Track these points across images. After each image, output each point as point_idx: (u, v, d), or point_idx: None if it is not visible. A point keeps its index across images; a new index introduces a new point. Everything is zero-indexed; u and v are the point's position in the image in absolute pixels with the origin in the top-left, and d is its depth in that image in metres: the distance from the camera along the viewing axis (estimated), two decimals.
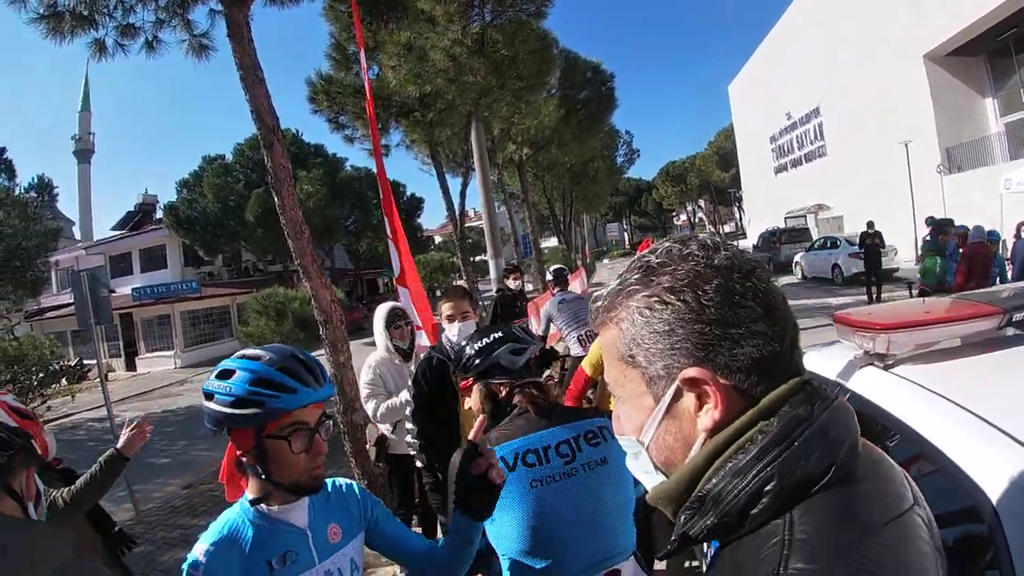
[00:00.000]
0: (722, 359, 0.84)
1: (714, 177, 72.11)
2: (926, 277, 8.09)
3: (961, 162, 24.29)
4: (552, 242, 52.65)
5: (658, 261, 0.90)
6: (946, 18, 22.91)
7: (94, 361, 10.19)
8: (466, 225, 18.14)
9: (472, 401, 2.33)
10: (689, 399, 0.86)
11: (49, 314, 35.86)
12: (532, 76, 13.90)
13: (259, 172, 36.77)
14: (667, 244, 0.93)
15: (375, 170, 6.58)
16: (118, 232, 44.28)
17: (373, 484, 5.80)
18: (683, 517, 0.85)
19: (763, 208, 47.40)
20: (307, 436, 1.67)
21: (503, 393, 2.24)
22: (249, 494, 1.73)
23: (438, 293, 35.08)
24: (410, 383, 3.87)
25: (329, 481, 1.91)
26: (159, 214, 42.43)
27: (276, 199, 5.69)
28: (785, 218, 39.14)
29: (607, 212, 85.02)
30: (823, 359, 2.45)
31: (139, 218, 45.54)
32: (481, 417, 1.95)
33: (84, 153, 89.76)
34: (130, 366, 33.12)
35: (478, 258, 31.40)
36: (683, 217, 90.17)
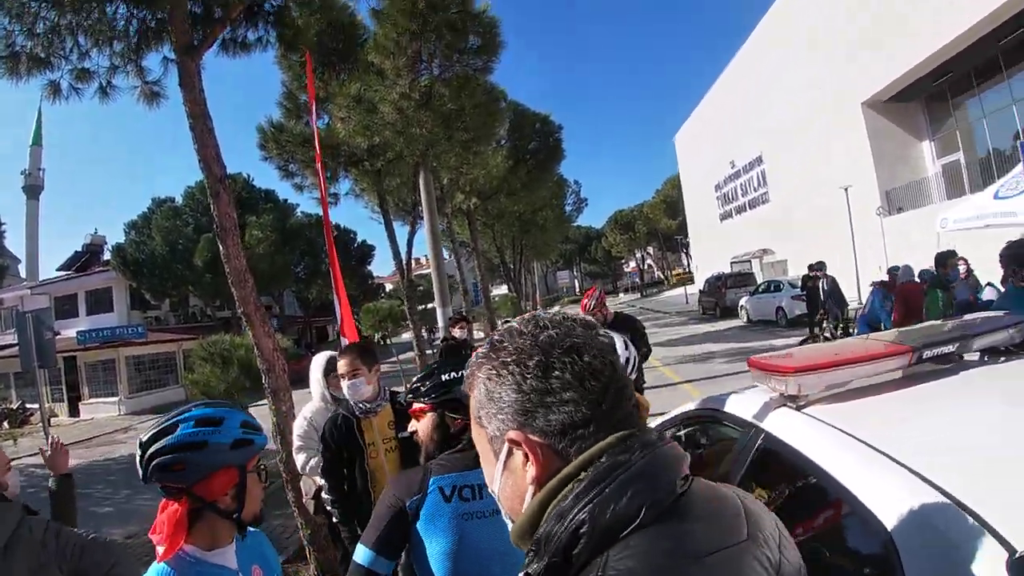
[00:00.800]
0: (538, 423, 0.97)
1: (662, 224, 73.45)
2: (931, 313, 8.20)
3: (901, 203, 25.13)
4: (503, 290, 52.88)
5: (498, 339, 1.05)
6: (882, 67, 23.89)
7: (36, 405, 9.97)
8: (416, 273, 18.18)
9: (421, 427, 2.42)
10: (518, 456, 1.00)
11: None
12: (479, 128, 14.18)
13: (208, 216, 36.30)
14: (512, 323, 1.08)
15: (322, 214, 6.71)
16: (64, 272, 43.28)
17: (316, 534, 5.76)
18: (527, 560, 0.95)
19: (710, 254, 48.38)
20: (257, 474, 1.91)
21: (455, 426, 2.35)
22: (191, 544, 1.79)
23: (388, 342, 34.72)
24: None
25: None
26: (107, 255, 41.60)
27: (221, 247, 5.75)
28: (731, 263, 39.97)
29: (557, 260, 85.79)
30: (742, 402, 2.58)
31: (86, 259, 44.51)
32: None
33: (33, 189, 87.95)
34: (73, 411, 32.11)
35: (429, 305, 31.36)
36: (632, 264, 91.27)
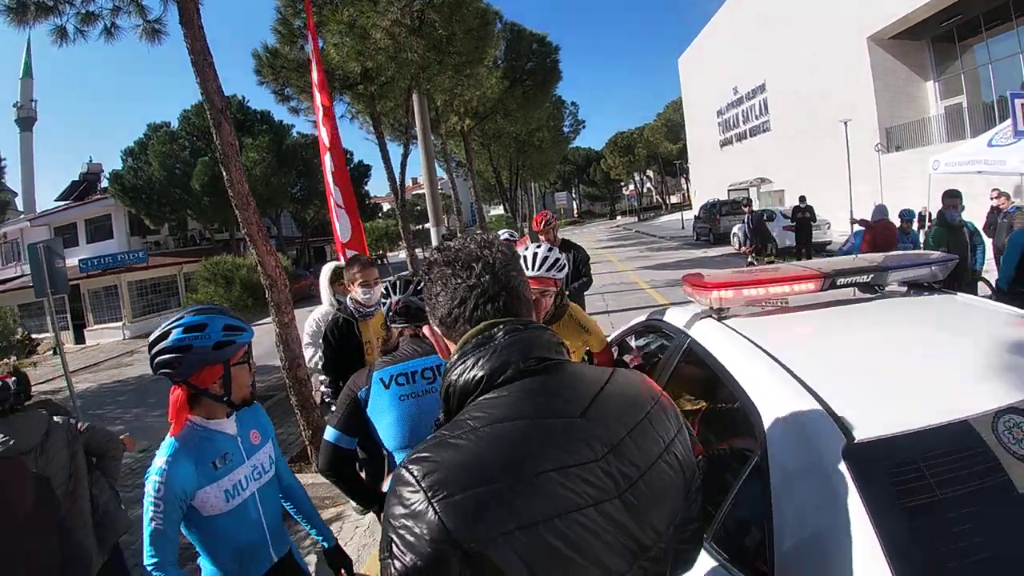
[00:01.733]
0: (435, 315, 1.38)
1: (662, 149, 72.83)
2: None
3: (900, 142, 24.96)
4: (500, 210, 53.01)
5: (432, 256, 1.44)
6: (891, 2, 23.39)
7: (42, 335, 10.32)
8: (413, 193, 18.39)
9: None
10: (435, 340, 1.46)
11: None
12: (471, 52, 14.28)
13: (205, 140, 36.22)
14: (440, 245, 1.46)
15: (318, 138, 6.99)
16: (63, 203, 43.14)
17: (316, 435, 6.31)
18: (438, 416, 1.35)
19: (709, 180, 48.15)
20: (250, 362, 2.45)
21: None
22: (195, 418, 2.35)
23: (385, 261, 35.20)
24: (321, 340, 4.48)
25: None
26: (104, 183, 41.53)
27: (224, 173, 6.08)
28: (728, 190, 39.88)
29: (556, 181, 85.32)
30: (678, 313, 2.97)
31: (83, 188, 44.30)
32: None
33: (26, 121, 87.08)
34: (79, 338, 32.56)
35: (425, 225, 31.65)
36: (631, 187, 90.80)
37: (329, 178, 7.13)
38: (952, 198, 8.44)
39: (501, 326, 1.29)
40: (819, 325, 2.56)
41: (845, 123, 23.14)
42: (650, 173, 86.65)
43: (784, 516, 1.62)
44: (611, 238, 47.63)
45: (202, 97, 5.94)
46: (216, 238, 40.13)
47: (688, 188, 69.08)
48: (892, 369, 1.98)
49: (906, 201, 11.66)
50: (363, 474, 4.10)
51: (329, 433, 2.68)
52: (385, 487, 2.48)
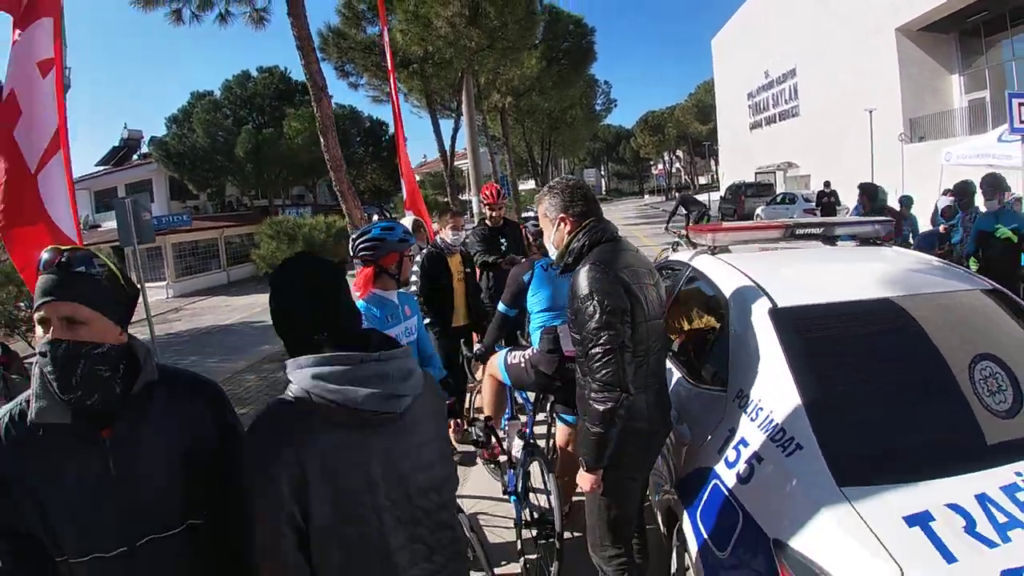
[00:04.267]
0: (573, 211, 2.86)
1: (692, 129, 72.93)
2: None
3: (923, 132, 25.37)
4: (530, 184, 54.01)
5: (550, 186, 2.94)
6: None
7: None
8: (445, 166, 19.58)
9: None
10: (563, 225, 2.83)
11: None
12: (518, 39, 15.52)
13: (247, 108, 37.50)
14: (556, 180, 2.99)
15: (393, 117, 8.17)
16: (103, 168, 44.21)
17: None
18: (562, 265, 2.84)
19: (737, 162, 48.44)
20: (404, 259, 3.68)
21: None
22: (375, 288, 3.62)
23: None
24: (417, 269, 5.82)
25: None
26: (144, 149, 42.67)
27: (322, 140, 7.40)
28: (755, 173, 40.39)
29: (585, 158, 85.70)
30: (682, 255, 4.24)
31: (124, 153, 45.47)
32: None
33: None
34: None
35: (462, 197, 32.77)
36: (660, 167, 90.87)
37: (404, 151, 8.34)
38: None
39: (598, 220, 2.83)
40: (779, 258, 3.84)
41: (870, 112, 23.62)
42: (679, 153, 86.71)
43: (737, 351, 2.93)
44: (639, 216, 48.27)
45: (305, 76, 7.25)
46: (255, 204, 41.34)
47: (716, 169, 69.25)
48: (814, 277, 3.25)
49: (926, 190, 12.49)
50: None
51: (501, 307, 4.52)
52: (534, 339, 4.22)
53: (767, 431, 2.51)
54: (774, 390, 2.61)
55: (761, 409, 2.61)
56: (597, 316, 2.57)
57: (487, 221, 6.73)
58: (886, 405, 2.54)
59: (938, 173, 13.15)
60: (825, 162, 30.87)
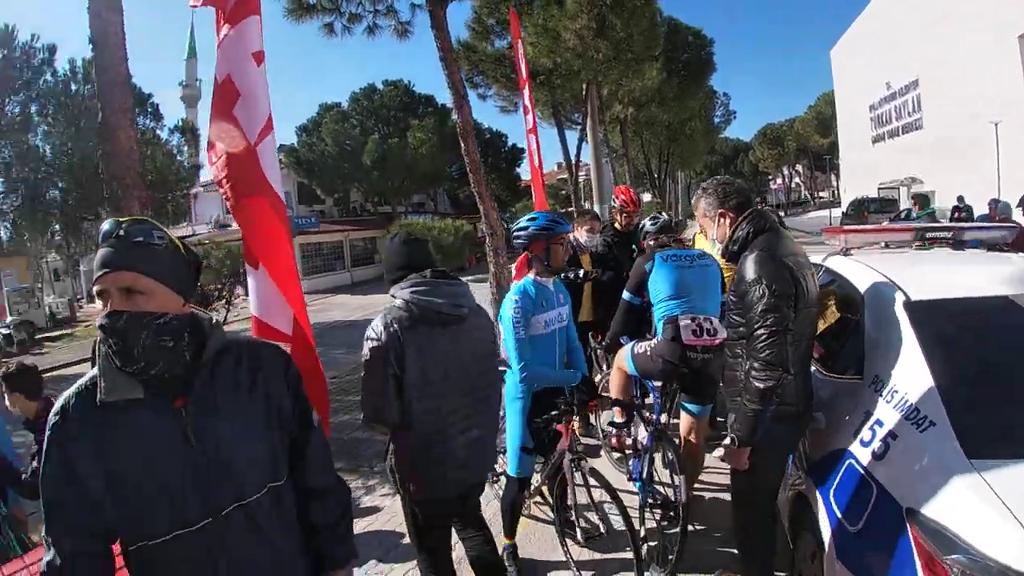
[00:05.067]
0: (730, 205, 3.15)
1: (812, 142, 71.12)
2: None
3: None
4: (646, 197, 53.86)
5: (703, 188, 3.28)
6: None
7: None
8: (558, 177, 19.91)
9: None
10: (724, 219, 3.12)
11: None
12: (642, 51, 15.86)
13: (373, 119, 39.24)
14: (708, 181, 3.33)
15: (525, 127, 8.56)
16: None
17: None
18: (727, 253, 3.13)
19: (859, 177, 46.72)
20: (557, 246, 3.91)
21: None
22: (531, 275, 3.94)
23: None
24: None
25: None
26: None
27: (463, 144, 7.93)
28: (878, 188, 39.05)
29: (702, 171, 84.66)
30: (819, 255, 4.41)
31: None
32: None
33: (190, 99, 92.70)
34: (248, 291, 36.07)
35: (569, 209, 33.17)
36: (779, 181, 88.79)
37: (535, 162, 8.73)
38: None
39: (759, 210, 3.14)
40: (909, 258, 3.99)
41: (996, 124, 22.53)
42: (799, 167, 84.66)
43: (873, 341, 3.15)
44: None
45: (447, 85, 7.79)
46: (379, 210, 43.06)
47: (837, 184, 67.05)
48: (944, 275, 3.43)
49: None
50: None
51: (625, 295, 4.77)
52: (657, 328, 4.45)
53: (902, 411, 2.72)
54: (909, 374, 2.81)
55: (896, 392, 2.82)
56: (765, 299, 2.82)
57: (617, 225, 6.71)
58: (1010, 388, 2.71)
59: None
60: (950, 177, 29.50)
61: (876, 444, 2.77)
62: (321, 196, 41.44)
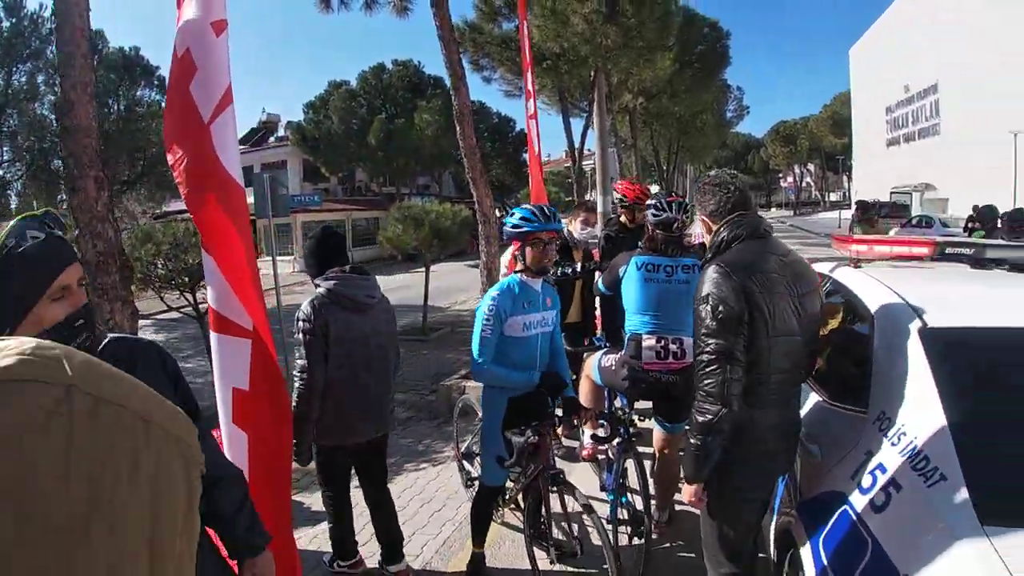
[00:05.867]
0: (705, 211, 2.80)
1: (826, 142, 70.67)
2: None
3: None
4: (654, 189, 53.34)
5: (701, 184, 2.89)
6: None
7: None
8: (564, 165, 19.56)
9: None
10: (704, 225, 2.78)
11: (177, 217, 38.87)
12: (655, 39, 15.42)
13: (381, 99, 38.83)
14: (707, 176, 2.91)
15: (525, 112, 8.20)
16: (241, 146, 46.61)
17: None
18: (707, 253, 2.71)
19: (872, 180, 46.65)
20: (540, 245, 3.64)
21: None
22: (518, 275, 3.71)
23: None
24: None
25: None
26: (280, 132, 44.99)
27: (458, 127, 7.60)
28: (891, 193, 38.74)
29: (712, 165, 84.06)
30: (822, 267, 4.04)
31: (262, 135, 48.10)
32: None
33: None
34: None
35: (570, 199, 32.89)
36: (789, 179, 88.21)
37: (535, 149, 8.39)
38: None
39: (743, 214, 2.69)
40: (927, 275, 3.60)
41: (1015, 135, 22.29)
42: (811, 167, 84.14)
43: (881, 370, 2.77)
44: None
45: (445, 66, 7.46)
46: (383, 190, 42.78)
47: (849, 186, 66.56)
48: (966, 298, 3.04)
49: None
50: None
51: (600, 286, 4.63)
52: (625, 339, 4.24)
53: (909, 458, 2.36)
54: (920, 415, 2.44)
55: (904, 434, 2.45)
56: (707, 321, 2.50)
57: (623, 220, 6.12)
58: None
59: None
60: (965, 186, 29.34)
61: (876, 493, 2.41)
62: (326, 174, 41.13)
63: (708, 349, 2.48)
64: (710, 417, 2.45)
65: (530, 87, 8.44)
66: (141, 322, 6.50)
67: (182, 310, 12.56)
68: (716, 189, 2.77)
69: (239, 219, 3.00)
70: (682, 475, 2.80)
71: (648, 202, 4.58)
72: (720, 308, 2.46)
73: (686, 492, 2.72)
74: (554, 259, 3.92)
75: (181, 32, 2.97)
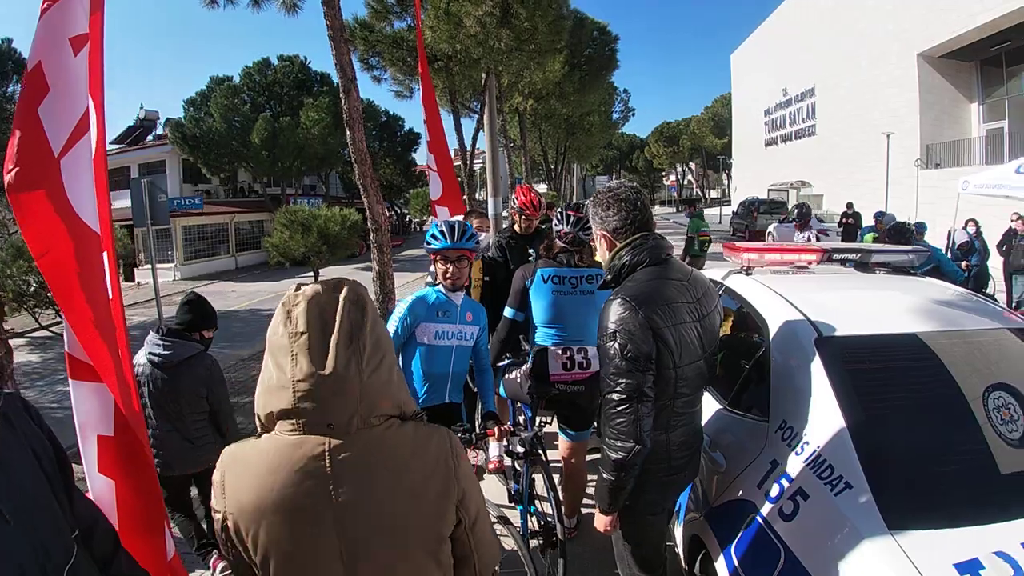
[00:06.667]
0: (608, 227, 2.70)
1: (707, 142, 72.85)
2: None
3: (939, 159, 25.38)
4: (542, 188, 53.93)
5: (595, 194, 2.80)
6: (942, 22, 23.69)
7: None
8: (456, 163, 19.52)
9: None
10: (603, 242, 2.72)
11: None
12: (547, 43, 15.52)
13: (265, 96, 37.55)
14: (603, 186, 2.84)
15: (424, 111, 8.01)
16: (117, 146, 43.99)
17: None
18: (604, 279, 2.71)
19: (750, 178, 48.47)
20: (445, 262, 3.67)
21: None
22: (440, 285, 3.73)
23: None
24: None
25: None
26: (159, 131, 42.71)
27: (348, 132, 7.36)
28: (768, 190, 40.31)
29: (598, 165, 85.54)
30: (718, 270, 4.12)
31: (139, 133, 45.52)
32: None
33: None
34: (128, 277, 33.77)
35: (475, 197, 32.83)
36: (672, 178, 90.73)
37: (424, 146, 8.26)
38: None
39: (646, 236, 2.65)
40: (815, 282, 3.75)
41: (887, 136, 23.60)
42: (692, 166, 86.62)
43: (780, 380, 2.82)
44: None
45: (335, 67, 7.22)
46: (267, 191, 41.34)
47: (729, 184, 69.08)
48: (853, 305, 3.17)
49: (940, 218, 12.35)
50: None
51: (508, 312, 4.37)
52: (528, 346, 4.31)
53: (813, 467, 2.44)
54: (821, 424, 2.53)
55: (807, 443, 2.54)
56: (616, 361, 2.45)
57: (516, 228, 5.91)
58: (934, 446, 2.48)
59: (953, 201, 13.08)
60: (839, 183, 31.00)
61: (784, 502, 2.49)
62: (207, 175, 39.32)
63: (618, 389, 2.44)
64: (624, 455, 2.44)
65: (426, 85, 8.29)
66: (16, 341, 6.04)
67: (52, 329, 11.83)
68: (621, 205, 2.68)
69: (91, 268, 2.61)
70: (590, 490, 2.79)
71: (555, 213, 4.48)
72: (628, 348, 2.42)
73: (599, 521, 2.71)
74: (466, 280, 3.88)
75: (36, 41, 2.57)
